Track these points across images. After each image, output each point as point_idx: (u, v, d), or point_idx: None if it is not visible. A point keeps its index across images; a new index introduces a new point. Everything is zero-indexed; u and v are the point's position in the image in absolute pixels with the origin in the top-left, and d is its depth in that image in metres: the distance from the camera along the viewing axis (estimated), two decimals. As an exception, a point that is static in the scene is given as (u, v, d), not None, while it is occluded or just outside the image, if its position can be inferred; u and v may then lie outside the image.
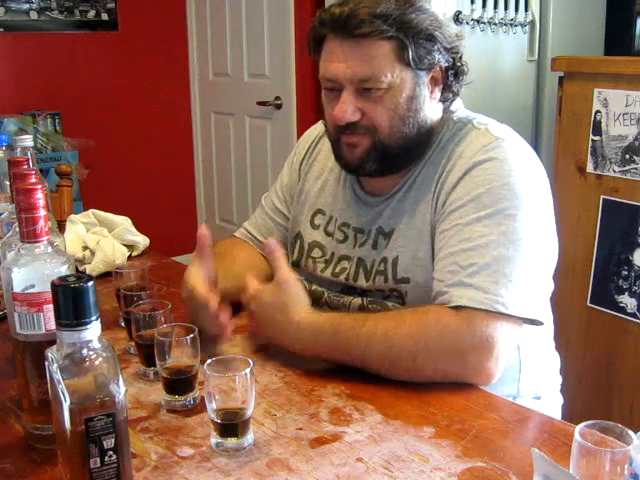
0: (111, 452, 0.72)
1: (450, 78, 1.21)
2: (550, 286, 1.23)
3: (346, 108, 1.16)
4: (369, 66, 1.14)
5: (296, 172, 1.43)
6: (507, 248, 1.09)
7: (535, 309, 1.11)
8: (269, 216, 1.46)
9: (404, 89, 1.16)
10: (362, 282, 1.26)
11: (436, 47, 1.16)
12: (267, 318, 1.14)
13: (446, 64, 1.20)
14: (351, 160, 1.22)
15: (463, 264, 1.10)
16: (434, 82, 1.21)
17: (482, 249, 1.09)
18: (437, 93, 1.22)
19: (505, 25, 2.83)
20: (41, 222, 0.85)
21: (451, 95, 1.24)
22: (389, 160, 1.21)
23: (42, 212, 0.85)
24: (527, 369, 1.24)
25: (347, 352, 1.09)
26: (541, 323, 1.12)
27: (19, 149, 1.41)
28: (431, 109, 1.22)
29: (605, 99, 1.96)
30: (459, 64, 1.22)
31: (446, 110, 1.26)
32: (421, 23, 1.14)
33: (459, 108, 1.27)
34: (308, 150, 1.43)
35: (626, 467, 0.69)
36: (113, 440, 0.72)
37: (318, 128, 1.43)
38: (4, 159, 1.37)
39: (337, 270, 1.30)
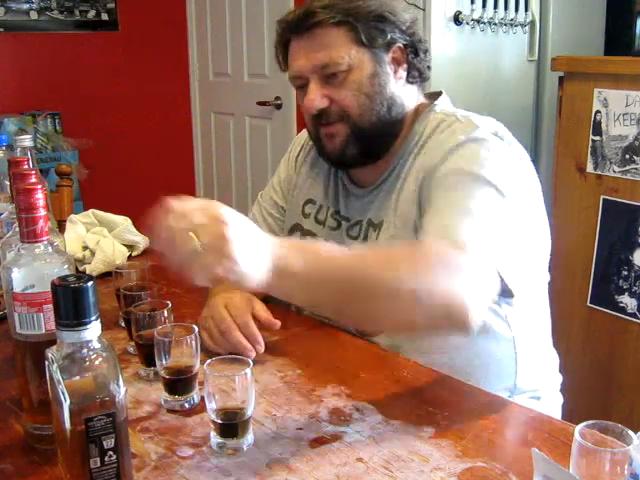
0: (111, 452, 0.72)
1: (411, 56, 1.26)
2: (545, 277, 1.25)
3: (313, 97, 1.22)
4: (326, 51, 1.20)
5: (292, 167, 1.47)
6: (488, 206, 1.07)
7: (508, 269, 1.03)
8: (268, 212, 1.48)
9: (364, 68, 1.22)
10: None
11: (389, 27, 1.22)
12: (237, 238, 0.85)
13: (404, 43, 1.25)
14: (332, 151, 1.26)
15: (446, 218, 1.06)
16: (396, 62, 1.26)
17: (465, 202, 1.07)
18: (402, 72, 1.26)
19: (505, 25, 2.83)
20: (41, 222, 0.85)
21: (417, 74, 1.28)
22: (368, 143, 1.24)
23: (42, 212, 0.85)
24: (524, 362, 1.24)
25: (332, 267, 0.93)
26: (512, 295, 1.07)
27: (19, 149, 1.40)
28: (399, 89, 1.26)
29: (605, 99, 1.96)
30: (418, 43, 1.27)
31: (430, 101, 1.30)
32: (369, 7, 1.21)
33: (444, 103, 1.30)
34: (303, 145, 1.47)
35: (626, 467, 0.69)
36: (113, 440, 0.72)
37: None
38: (4, 159, 1.37)
39: None
